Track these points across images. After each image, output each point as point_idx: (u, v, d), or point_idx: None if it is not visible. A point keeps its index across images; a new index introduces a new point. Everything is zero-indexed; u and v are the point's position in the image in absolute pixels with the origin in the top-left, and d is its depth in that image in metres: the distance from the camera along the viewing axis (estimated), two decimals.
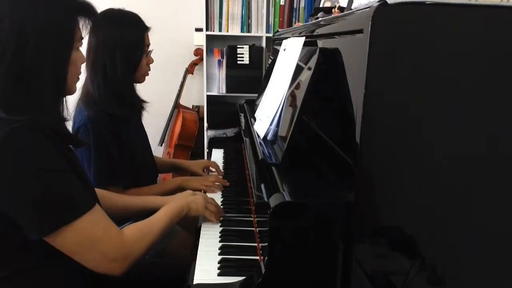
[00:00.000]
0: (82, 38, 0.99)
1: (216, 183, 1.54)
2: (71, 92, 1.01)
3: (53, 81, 0.93)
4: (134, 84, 1.58)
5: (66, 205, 0.89)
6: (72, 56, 0.96)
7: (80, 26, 0.98)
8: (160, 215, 1.12)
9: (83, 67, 1.46)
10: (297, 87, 1.07)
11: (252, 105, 1.82)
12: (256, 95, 1.90)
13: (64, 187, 0.90)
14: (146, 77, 1.60)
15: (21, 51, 0.88)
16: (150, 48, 1.56)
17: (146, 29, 1.52)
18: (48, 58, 0.91)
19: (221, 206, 1.36)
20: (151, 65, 1.60)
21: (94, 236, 0.92)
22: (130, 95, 1.54)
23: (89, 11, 0.99)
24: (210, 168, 1.76)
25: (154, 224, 1.08)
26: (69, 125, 1.25)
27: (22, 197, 0.86)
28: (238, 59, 3.06)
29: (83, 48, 1.27)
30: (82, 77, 1.23)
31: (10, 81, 0.89)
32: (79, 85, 1.14)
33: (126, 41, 1.46)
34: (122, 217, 1.35)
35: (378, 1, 0.70)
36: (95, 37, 1.46)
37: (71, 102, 1.28)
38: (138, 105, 1.60)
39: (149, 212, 1.17)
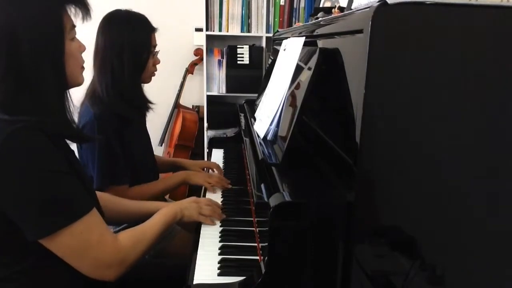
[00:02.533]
0: (74, 27, 0.97)
1: (219, 184, 1.54)
2: (78, 83, 1.00)
3: (53, 77, 0.92)
4: (142, 84, 1.59)
5: (64, 208, 0.89)
6: (67, 48, 0.94)
7: (72, 15, 0.96)
8: (155, 220, 1.12)
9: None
10: (297, 87, 1.07)
11: (252, 105, 1.82)
12: (256, 95, 1.90)
13: (63, 189, 0.90)
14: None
15: (15, 54, 0.87)
16: (156, 49, 1.56)
17: (153, 30, 1.53)
18: (43, 55, 0.90)
19: (221, 206, 1.36)
20: None
21: (89, 241, 0.92)
22: (137, 96, 1.55)
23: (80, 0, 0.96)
24: (211, 169, 1.75)
25: (148, 230, 1.08)
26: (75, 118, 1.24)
27: (21, 197, 0.86)
28: (238, 59, 3.06)
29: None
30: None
31: (10, 83, 0.88)
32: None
33: (133, 42, 1.47)
34: (121, 220, 1.35)
35: (378, 1, 0.70)
36: (103, 37, 1.46)
37: (77, 98, 1.27)
38: (145, 105, 1.60)
39: (147, 215, 1.17)
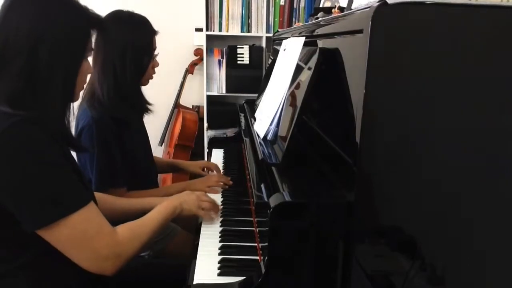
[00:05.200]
0: (92, 49, 1.03)
1: (219, 182, 1.54)
2: (75, 99, 1.03)
3: (62, 88, 0.95)
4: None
5: (62, 199, 0.90)
6: (82, 65, 0.99)
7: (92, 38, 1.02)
8: (154, 214, 1.12)
9: None
10: (297, 87, 1.07)
11: (252, 105, 1.82)
12: (256, 95, 1.90)
13: (60, 181, 0.90)
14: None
15: (35, 55, 0.90)
16: (156, 51, 1.56)
17: (154, 33, 1.52)
18: (60, 65, 0.94)
19: (221, 206, 1.36)
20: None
21: (87, 233, 0.92)
22: (137, 98, 1.54)
23: (101, 25, 1.05)
24: (210, 169, 1.75)
25: (147, 224, 1.08)
26: (72, 126, 1.24)
27: (19, 188, 0.87)
28: (238, 59, 3.06)
29: None
30: None
31: (20, 80, 0.91)
32: None
33: (136, 45, 1.46)
34: (119, 220, 1.35)
35: (378, 1, 0.70)
36: (104, 37, 1.44)
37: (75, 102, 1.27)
38: (144, 107, 1.60)
39: (143, 213, 1.17)
